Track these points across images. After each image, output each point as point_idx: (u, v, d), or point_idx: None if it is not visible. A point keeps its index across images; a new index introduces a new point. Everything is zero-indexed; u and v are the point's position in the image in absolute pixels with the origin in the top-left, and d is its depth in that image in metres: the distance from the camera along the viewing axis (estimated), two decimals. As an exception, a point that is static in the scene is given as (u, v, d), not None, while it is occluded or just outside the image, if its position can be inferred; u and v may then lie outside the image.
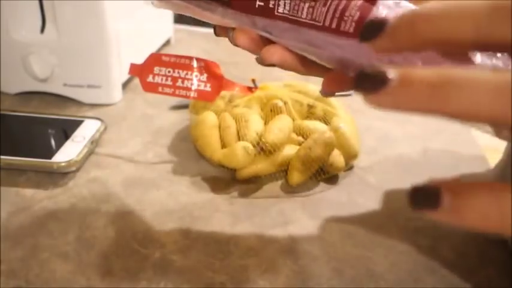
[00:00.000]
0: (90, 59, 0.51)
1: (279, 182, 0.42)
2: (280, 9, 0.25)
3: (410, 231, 0.38)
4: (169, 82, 0.39)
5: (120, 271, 0.32)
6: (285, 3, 0.24)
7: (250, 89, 0.42)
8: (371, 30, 0.18)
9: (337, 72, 0.26)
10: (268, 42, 0.27)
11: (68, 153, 0.42)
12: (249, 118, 0.43)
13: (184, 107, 0.53)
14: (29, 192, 0.39)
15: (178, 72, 0.39)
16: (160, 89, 0.39)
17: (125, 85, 0.56)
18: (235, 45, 0.28)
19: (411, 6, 0.23)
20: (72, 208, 0.38)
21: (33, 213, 0.37)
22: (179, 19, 0.75)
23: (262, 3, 0.25)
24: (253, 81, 0.43)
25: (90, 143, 0.43)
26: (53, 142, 0.44)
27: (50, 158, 0.41)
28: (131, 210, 0.38)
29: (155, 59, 0.40)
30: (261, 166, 0.41)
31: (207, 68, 0.40)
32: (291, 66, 0.27)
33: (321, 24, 0.23)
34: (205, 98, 0.40)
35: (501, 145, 0.43)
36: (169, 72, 0.40)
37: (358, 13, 0.22)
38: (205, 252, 0.34)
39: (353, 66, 0.24)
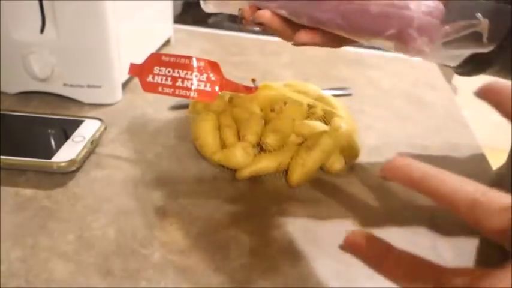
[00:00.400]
0: (90, 59, 0.51)
1: (279, 182, 0.42)
2: None
3: (410, 231, 0.38)
4: (169, 82, 0.39)
5: (120, 271, 0.32)
6: None
7: (250, 89, 0.42)
8: None
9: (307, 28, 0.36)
10: None
11: (68, 153, 0.42)
12: (249, 118, 0.43)
13: (184, 107, 0.53)
14: (29, 192, 0.39)
15: (178, 72, 0.39)
16: (160, 89, 0.39)
17: (124, 85, 0.56)
18: (243, 18, 0.37)
19: None
20: (72, 208, 0.38)
21: (33, 213, 0.37)
22: (179, 19, 0.75)
23: None
24: (253, 81, 0.43)
25: (90, 143, 0.43)
26: (53, 142, 0.44)
27: (50, 158, 0.41)
28: (131, 210, 0.38)
29: (155, 59, 0.40)
30: (261, 166, 0.41)
31: (207, 68, 0.40)
32: (277, 25, 0.35)
33: None
34: (205, 98, 0.40)
35: (502, 145, 0.43)
36: (169, 72, 0.40)
37: None
38: (205, 252, 0.34)
39: (309, 17, 0.34)
